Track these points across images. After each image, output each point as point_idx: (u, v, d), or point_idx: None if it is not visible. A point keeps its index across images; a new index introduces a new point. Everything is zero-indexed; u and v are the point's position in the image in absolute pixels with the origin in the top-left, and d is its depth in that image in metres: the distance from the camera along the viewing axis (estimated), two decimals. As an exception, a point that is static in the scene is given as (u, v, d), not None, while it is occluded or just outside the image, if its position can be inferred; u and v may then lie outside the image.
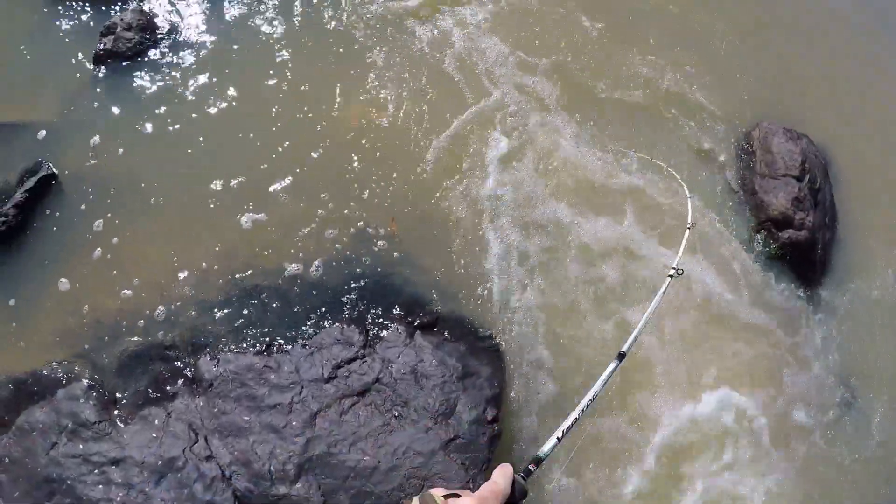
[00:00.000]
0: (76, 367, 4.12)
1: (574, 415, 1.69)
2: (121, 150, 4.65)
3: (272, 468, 3.58)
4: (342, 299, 4.17)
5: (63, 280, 4.32)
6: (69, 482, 3.67)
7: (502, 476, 1.49)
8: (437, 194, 4.67)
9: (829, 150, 5.60)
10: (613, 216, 4.70)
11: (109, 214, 4.49)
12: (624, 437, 4.14)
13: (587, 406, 1.73)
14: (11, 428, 3.98)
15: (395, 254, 4.41)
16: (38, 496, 3.69)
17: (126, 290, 4.27)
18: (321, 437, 3.64)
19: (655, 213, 4.77)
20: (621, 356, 2.14)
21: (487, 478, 1.50)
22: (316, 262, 4.26)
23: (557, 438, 1.70)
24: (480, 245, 4.55)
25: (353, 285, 4.21)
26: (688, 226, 3.47)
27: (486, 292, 4.37)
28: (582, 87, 5.30)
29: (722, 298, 4.73)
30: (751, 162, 5.20)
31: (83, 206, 4.53)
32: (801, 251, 4.92)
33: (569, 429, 1.67)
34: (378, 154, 4.69)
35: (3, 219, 4.43)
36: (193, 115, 4.83)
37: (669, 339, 4.46)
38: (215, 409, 3.79)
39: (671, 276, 2.85)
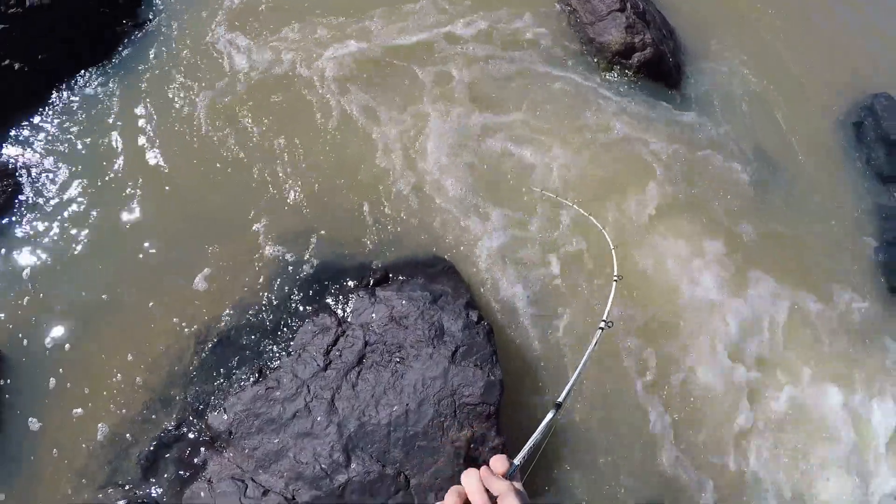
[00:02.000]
0: (103, 497, 4.18)
1: (521, 455, 1.75)
2: (25, 289, 4.75)
3: (323, 466, 3.86)
4: (298, 301, 4.52)
5: (46, 435, 4.40)
6: None
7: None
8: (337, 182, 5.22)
9: None
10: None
11: (59, 358, 4.63)
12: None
13: (523, 459, 1.78)
14: None
15: (320, 241, 4.77)
16: None
17: (106, 405, 4.43)
18: (348, 416, 3.95)
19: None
20: (558, 406, 2.19)
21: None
22: (262, 285, 4.59)
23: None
24: (379, 198, 5.03)
25: (300, 285, 4.57)
26: (614, 279, 3.53)
27: (410, 230, 4.84)
28: None
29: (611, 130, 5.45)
30: (576, 18, 5.95)
31: (29, 366, 4.64)
32: (654, 65, 5.63)
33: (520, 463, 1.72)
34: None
35: None
36: (78, 236, 4.94)
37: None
38: (246, 451, 4.05)
39: (601, 329, 2.89)
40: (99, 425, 4.50)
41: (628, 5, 5.70)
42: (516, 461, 1.72)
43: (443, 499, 1.57)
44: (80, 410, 4.55)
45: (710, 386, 4.81)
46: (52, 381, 4.61)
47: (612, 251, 3.95)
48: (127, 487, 4.35)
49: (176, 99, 5.50)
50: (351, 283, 4.55)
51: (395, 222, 4.93)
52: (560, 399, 2.26)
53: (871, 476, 4.96)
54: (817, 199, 6.16)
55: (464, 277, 4.55)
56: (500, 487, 1.54)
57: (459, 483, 1.60)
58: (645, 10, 5.81)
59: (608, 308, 3.16)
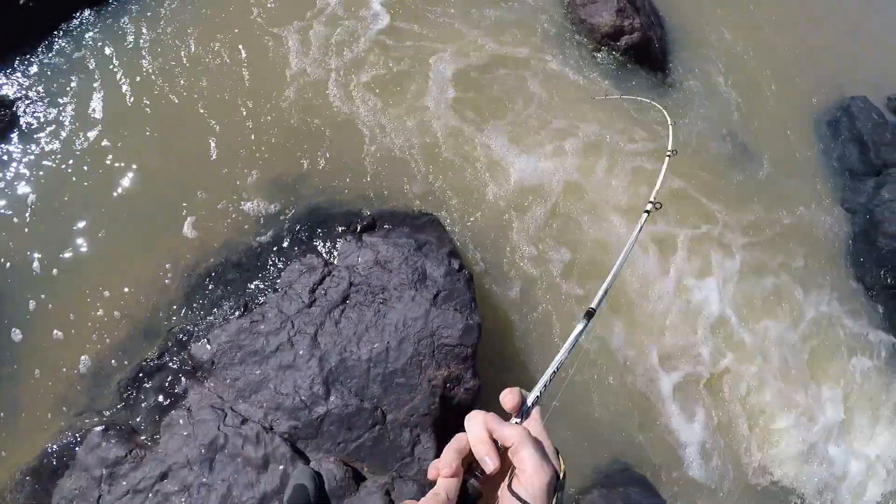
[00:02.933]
0: (80, 424, 4.44)
1: (539, 387, 1.37)
2: (25, 217, 4.97)
3: (302, 397, 4.09)
4: (286, 243, 4.75)
5: (28, 357, 4.63)
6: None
7: None
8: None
9: None
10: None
11: (43, 280, 4.85)
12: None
13: (553, 374, 1.45)
14: None
15: (312, 188, 5.06)
16: None
17: (89, 334, 4.67)
18: (329, 351, 4.16)
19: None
20: (590, 315, 1.78)
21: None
22: (250, 226, 4.85)
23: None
24: (377, 145, 5.33)
25: (292, 227, 4.81)
26: (668, 153, 3.29)
27: (399, 182, 5.14)
28: None
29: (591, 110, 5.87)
30: (571, 1, 6.40)
31: (15, 286, 4.85)
32: (641, 49, 6.01)
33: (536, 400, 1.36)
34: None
35: None
36: (77, 164, 5.18)
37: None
38: (227, 381, 4.25)
39: (648, 211, 2.52)
40: (80, 352, 4.63)
41: (625, 2, 6.13)
42: (531, 397, 1.34)
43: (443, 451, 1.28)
44: (61, 336, 4.68)
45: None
46: (34, 304, 4.76)
47: (670, 126, 3.76)
48: (105, 414, 4.53)
49: (172, 42, 5.82)
50: (339, 229, 4.77)
51: (385, 173, 5.17)
52: (594, 305, 1.83)
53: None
54: (789, 189, 6.63)
55: (448, 226, 4.89)
56: (511, 435, 1.18)
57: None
58: None
59: (658, 185, 2.88)
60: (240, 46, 5.72)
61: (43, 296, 4.83)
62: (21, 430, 4.61)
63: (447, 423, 4.19)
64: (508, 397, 1.30)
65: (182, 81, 5.57)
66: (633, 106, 5.87)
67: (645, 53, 6.04)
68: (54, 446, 4.45)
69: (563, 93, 5.81)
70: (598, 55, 6.06)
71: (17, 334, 4.79)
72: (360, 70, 5.68)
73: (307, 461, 4.07)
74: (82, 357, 4.67)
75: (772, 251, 6.09)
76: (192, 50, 5.73)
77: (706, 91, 6.32)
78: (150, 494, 4.11)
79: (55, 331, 4.66)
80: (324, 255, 4.66)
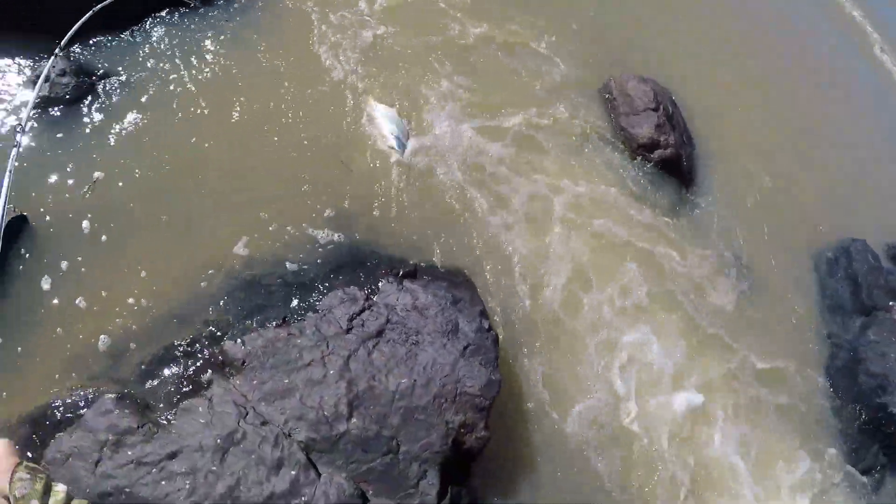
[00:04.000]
0: (94, 388, 4.66)
1: None
2: (86, 183, 5.34)
3: (326, 413, 4.44)
4: (334, 271, 5.18)
5: (57, 316, 4.92)
6: (127, 489, 4.25)
7: None
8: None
9: (671, 87, 7.92)
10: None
11: (88, 245, 5.16)
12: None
13: None
14: (41, 463, 4.35)
15: (364, 227, 5.57)
16: None
17: (134, 307, 4.97)
18: (359, 376, 4.57)
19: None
20: None
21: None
22: (301, 248, 5.30)
23: None
24: (427, 206, 5.92)
25: (339, 259, 5.28)
26: None
27: (446, 243, 5.71)
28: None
29: (620, 206, 6.72)
30: (614, 106, 7.26)
31: (61, 245, 5.13)
32: (672, 164, 6.94)
33: None
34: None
35: None
36: (145, 143, 5.64)
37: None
38: (255, 382, 4.57)
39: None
40: (106, 321, 4.90)
41: (661, 107, 7.04)
42: None
43: None
44: (91, 302, 4.97)
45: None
46: (67, 263, 5.06)
47: None
48: (120, 384, 4.85)
49: (257, 58, 6.39)
50: (382, 270, 5.23)
51: (434, 230, 5.75)
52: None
53: None
54: (780, 316, 7.57)
55: (480, 290, 5.55)
56: None
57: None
58: (673, 114, 7.19)
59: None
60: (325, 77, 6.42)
61: (81, 258, 5.10)
62: (30, 376, 4.78)
63: (453, 466, 4.73)
64: None
65: (258, 100, 6.13)
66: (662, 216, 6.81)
67: (675, 168, 6.98)
68: (61, 402, 4.64)
69: (595, 187, 6.67)
70: (633, 162, 6.96)
71: (46, 282, 5.06)
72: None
73: (318, 473, 4.57)
74: (109, 326, 4.91)
75: (753, 376, 6.97)
76: (281, 69, 6.36)
77: (723, 212, 7.29)
78: (155, 469, 4.34)
79: (81, 297, 4.96)
80: (365, 290, 5.23)
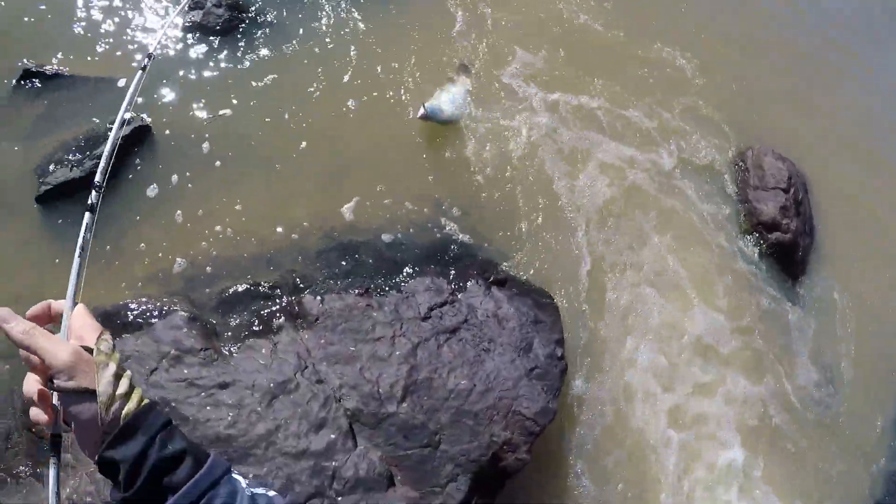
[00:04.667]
0: (172, 303, 4.83)
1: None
2: (214, 113, 5.65)
3: (380, 390, 4.51)
4: (427, 257, 5.27)
5: (153, 225, 5.19)
6: (173, 404, 4.40)
7: None
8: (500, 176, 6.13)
9: (806, 173, 7.83)
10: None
11: (201, 166, 5.42)
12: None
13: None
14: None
15: (468, 224, 5.63)
16: None
17: (222, 236, 5.18)
18: (422, 365, 4.62)
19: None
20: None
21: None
22: (403, 226, 5.42)
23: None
24: (536, 222, 5.89)
25: (435, 247, 5.36)
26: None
27: (541, 261, 5.70)
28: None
29: (719, 284, 6.65)
30: (745, 176, 7.21)
31: (176, 161, 5.41)
32: (786, 251, 6.77)
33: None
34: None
35: (96, 161, 4.98)
36: (284, 88, 5.93)
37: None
38: (322, 341, 4.67)
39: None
40: (201, 240, 5.16)
41: (792, 190, 6.98)
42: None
43: None
44: (188, 220, 5.19)
45: None
46: (177, 178, 5.32)
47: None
48: (195, 306, 5.05)
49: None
50: (473, 271, 5.28)
51: (539, 245, 5.79)
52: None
53: None
54: (848, 442, 7.29)
55: (563, 319, 5.61)
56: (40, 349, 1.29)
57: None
58: (802, 200, 7.12)
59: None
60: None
61: (191, 177, 5.37)
62: (113, 274, 5.04)
63: (485, 479, 4.79)
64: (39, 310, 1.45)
65: (395, 74, 6.38)
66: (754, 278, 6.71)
67: (788, 256, 6.85)
68: (136, 306, 4.84)
69: (700, 249, 6.66)
70: (747, 236, 6.90)
71: (152, 190, 5.37)
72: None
73: (355, 444, 4.71)
74: (198, 246, 5.14)
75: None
76: (413, 45, 6.62)
77: (823, 318, 7.11)
78: (204, 393, 4.48)
79: (181, 212, 5.25)
80: (452, 284, 5.36)
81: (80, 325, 1.46)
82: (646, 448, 5.55)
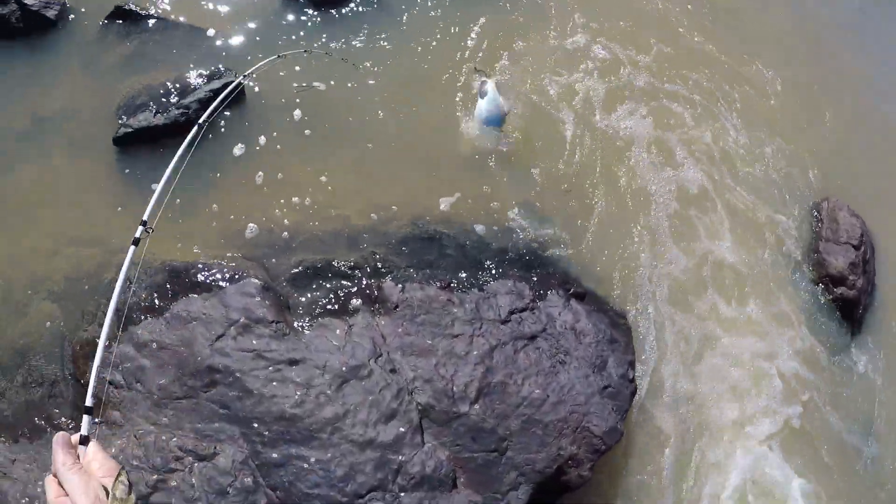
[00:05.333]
0: (244, 268, 4.75)
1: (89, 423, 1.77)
2: (314, 81, 5.64)
3: (454, 388, 4.47)
4: (510, 261, 5.23)
5: (233, 184, 5.16)
6: (237, 374, 4.38)
7: None
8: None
9: (876, 232, 7.98)
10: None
11: (291, 132, 5.40)
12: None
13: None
14: (164, 314, 4.61)
15: (556, 234, 5.61)
16: (194, 384, 4.36)
17: (301, 206, 5.13)
18: (498, 369, 4.56)
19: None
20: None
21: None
22: (490, 225, 5.39)
23: None
24: (623, 243, 5.92)
25: (518, 250, 5.31)
26: None
27: (623, 282, 5.72)
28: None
29: (774, 330, 6.77)
30: (818, 226, 7.39)
31: (266, 123, 5.38)
32: (848, 307, 6.87)
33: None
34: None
35: (183, 111, 5.11)
36: (388, 71, 5.93)
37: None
38: (399, 330, 4.62)
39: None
40: (281, 206, 5.14)
41: (862, 248, 7.15)
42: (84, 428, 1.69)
43: None
44: (270, 183, 5.17)
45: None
46: (265, 139, 5.34)
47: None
48: (270, 275, 4.81)
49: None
50: (553, 281, 5.26)
51: (619, 264, 5.83)
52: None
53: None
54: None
55: (635, 341, 5.66)
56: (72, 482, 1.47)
57: None
58: (870, 259, 7.28)
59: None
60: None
61: (280, 141, 5.34)
62: (187, 229, 5.01)
63: (545, 491, 4.75)
64: (61, 442, 1.58)
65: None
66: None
67: (849, 312, 6.96)
68: (207, 266, 4.78)
69: (764, 293, 6.78)
70: (812, 286, 7.04)
71: (239, 149, 5.27)
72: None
73: (423, 440, 4.71)
74: (277, 212, 5.11)
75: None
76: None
77: (874, 375, 7.24)
78: (272, 367, 4.43)
79: (262, 174, 5.29)
80: (533, 291, 5.39)
81: (99, 464, 1.58)
82: (702, 481, 5.61)
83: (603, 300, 5.32)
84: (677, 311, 5.77)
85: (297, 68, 5.48)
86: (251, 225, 5.07)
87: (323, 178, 5.17)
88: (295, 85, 5.42)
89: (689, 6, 7.39)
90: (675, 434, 5.35)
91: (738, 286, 6.15)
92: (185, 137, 5.20)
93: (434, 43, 6.01)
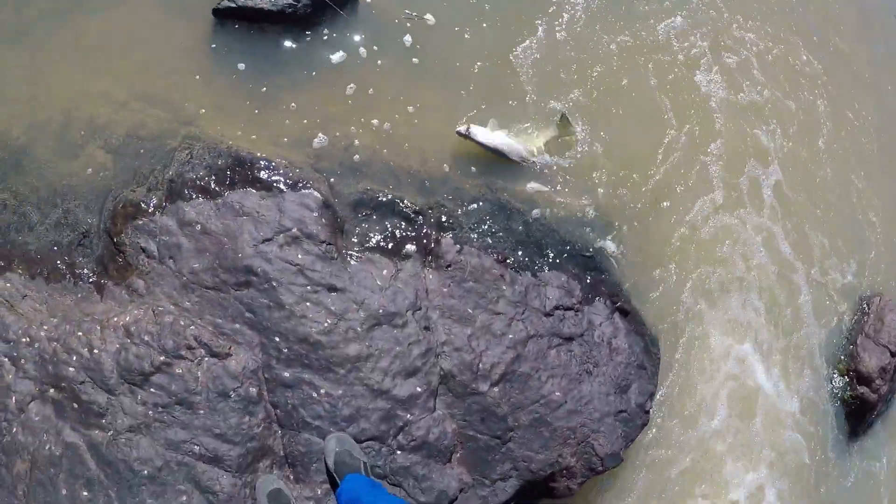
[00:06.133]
0: (312, 179, 4.71)
1: None
2: (420, 14, 5.60)
3: (481, 365, 4.50)
4: (571, 255, 5.23)
5: (322, 89, 5.16)
6: (273, 283, 4.39)
7: None
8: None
9: None
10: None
11: (397, 55, 5.39)
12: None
13: None
14: (217, 200, 4.59)
15: (621, 245, 5.71)
16: (227, 279, 4.38)
17: (382, 133, 5.14)
18: (528, 359, 4.58)
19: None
20: None
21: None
22: (560, 215, 5.40)
23: None
24: (680, 278, 5.97)
25: (582, 249, 5.34)
26: None
27: (668, 317, 5.81)
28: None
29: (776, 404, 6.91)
30: (863, 319, 7.51)
31: (373, 38, 5.38)
32: (861, 409, 6.90)
33: None
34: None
35: (292, 3, 5.05)
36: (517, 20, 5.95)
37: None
38: (445, 290, 4.62)
39: None
40: (358, 130, 5.20)
41: (893, 367, 7.29)
42: None
43: None
44: (357, 98, 5.29)
45: None
46: (364, 51, 5.44)
47: None
48: (333, 192, 4.87)
49: None
50: (606, 289, 5.26)
51: (660, 290, 5.90)
52: None
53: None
54: None
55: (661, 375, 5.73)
56: None
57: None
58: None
59: None
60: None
61: (381, 59, 5.42)
62: (262, 121, 5.04)
63: (532, 490, 4.70)
64: None
65: None
66: None
67: (861, 413, 7.10)
68: (271, 165, 4.78)
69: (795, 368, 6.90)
70: (835, 376, 7.18)
71: (337, 56, 5.25)
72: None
73: (435, 406, 4.79)
74: (353, 134, 5.21)
75: None
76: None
77: (862, 482, 7.40)
78: (308, 287, 4.46)
79: (353, 85, 5.37)
80: (581, 292, 5.44)
81: None
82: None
83: (643, 324, 5.37)
84: (704, 357, 5.87)
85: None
86: (321, 135, 5.01)
87: (411, 109, 5.14)
88: (407, 12, 5.33)
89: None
90: (666, 480, 5.48)
91: (766, 353, 6.23)
92: (286, 27, 5.20)
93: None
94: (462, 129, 5.11)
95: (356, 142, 5.07)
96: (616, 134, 5.82)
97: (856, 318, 7.22)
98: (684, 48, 6.34)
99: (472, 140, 5.13)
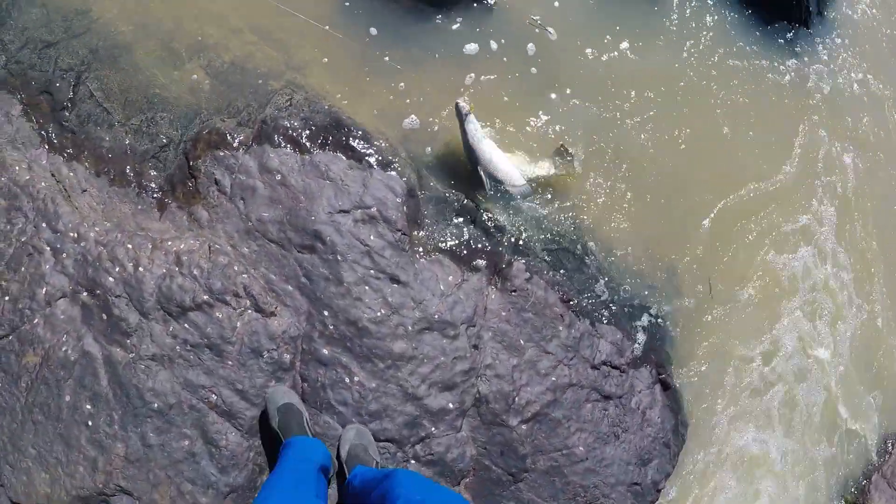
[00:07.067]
0: (405, 164, 4.74)
1: None
2: (543, 24, 5.62)
3: (518, 399, 4.54)
4: (632, 314, 5.29)
5: (441, 73, 5.27)
6: (338, 256, 4.42)
7: None
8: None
9: None
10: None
11: (517, 63, 5.46)
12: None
13: None
14: (305, 156, 4.60)
15: (681, 314, 5.72)
16: (293, 238, 4.43)
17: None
18: (563, 406, 4.59)
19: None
20: None
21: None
22: (633, 270, 5.48)
23: None
24: (731, 367, 5.93)
25: (644, 310, 5.42)
26: None
27: (704, 402, 5.80)
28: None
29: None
30: (884, 458, 7.63)
31: (503, 36, 5.45)
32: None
33: None
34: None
35: None
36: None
37: None
38: (504, 314, 4.62)
39: None
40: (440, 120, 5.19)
41: None
42: None
43: None
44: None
45: None
46: (496, 49, 5.52)
47: None
48: (418, 176, 4.97)
49: None
50: (653, 356, 5.34)
51: (717, 386, 5.89)
52: None
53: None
54: None
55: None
56: None
57: None
58: None
59: None
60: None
61: (507, 53, 5.58)
62: (365, 88, 5.14)
63: None
64: None
65: None
66: None
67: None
68: (367, 136, 4.86)
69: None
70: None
71: (471, 48, 5.36)
72: None
73: (461, 427, 4.79)
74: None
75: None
76: None
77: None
78: (373, 272, 4.59)
79: (473, 78, 5.41)
80: (631, 353, 5.39)
81: None
82: None
83: (680, 401, 5.46)
84: (728, 461, 5.95)
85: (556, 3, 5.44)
86: (413, 116, 5.05)
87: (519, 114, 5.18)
88: (534, 17, 5.38)
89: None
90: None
91: (784, 463, 6.32)
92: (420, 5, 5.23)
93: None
94: (464, 105, 4.84)
95: (447, 136, 5.12)
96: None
97: (879, 455, 7.25)
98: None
99: (460, 126, 4.97)
